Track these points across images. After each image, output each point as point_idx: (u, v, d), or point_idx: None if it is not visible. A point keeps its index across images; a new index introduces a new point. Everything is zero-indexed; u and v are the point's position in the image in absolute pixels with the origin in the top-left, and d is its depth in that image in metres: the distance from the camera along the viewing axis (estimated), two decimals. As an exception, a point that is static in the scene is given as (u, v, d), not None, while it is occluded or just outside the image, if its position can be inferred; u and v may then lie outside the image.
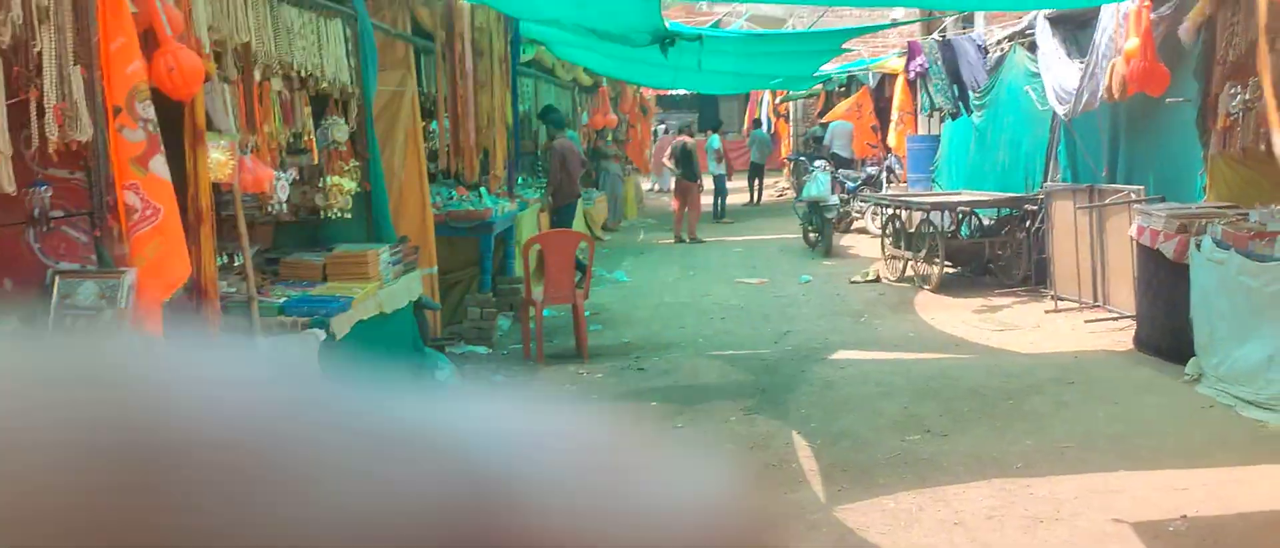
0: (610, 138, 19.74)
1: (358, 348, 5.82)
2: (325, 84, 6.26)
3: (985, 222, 11.54)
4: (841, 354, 8.26)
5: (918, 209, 10.94)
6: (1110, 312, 9.01)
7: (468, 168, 8.52)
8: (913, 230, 11.47)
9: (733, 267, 13.75)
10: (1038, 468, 5.27)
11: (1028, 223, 10.70)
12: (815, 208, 14.48)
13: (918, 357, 8.05)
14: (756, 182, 23.27)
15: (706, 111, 39.23)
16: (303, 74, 5.95)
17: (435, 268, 8.62)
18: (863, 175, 16.67)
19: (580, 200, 15.66)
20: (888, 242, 12.06)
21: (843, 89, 23.24)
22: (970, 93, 10.66)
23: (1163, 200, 8.30)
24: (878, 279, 11.73)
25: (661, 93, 34.83)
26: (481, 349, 8.87)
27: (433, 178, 9.87)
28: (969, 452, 5.59)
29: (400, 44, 8.44)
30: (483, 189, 9.48)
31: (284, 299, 5.63)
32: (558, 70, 14.59)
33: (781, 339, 8.95)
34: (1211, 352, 6.37)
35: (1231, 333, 6.09)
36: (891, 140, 18.15)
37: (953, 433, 5.95)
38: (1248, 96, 6.91)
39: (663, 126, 29.90)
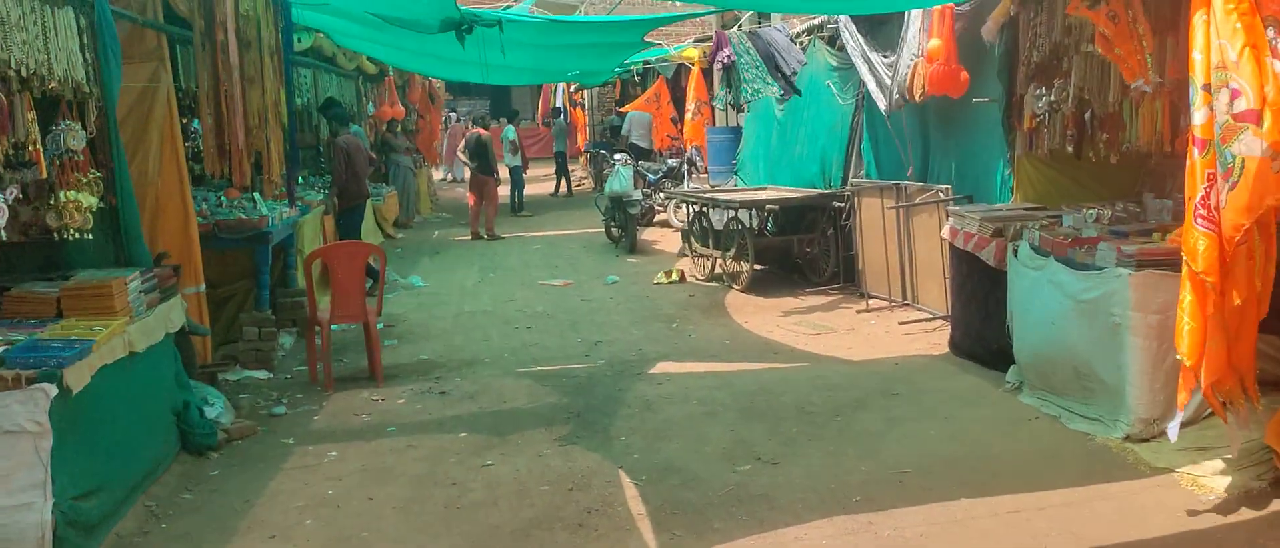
0: (399, 129, 18.73)
1: (101, 400, 4.87)
2: (55, 84, 5.24)
3: (791, 217, 11.38)
4: (659, 367, 7.81)
5: (725, 207, 10.64)
6: (921, 311, 8.97)
7: (236, 172, 7.52)
8: (719, 228, 11.18)
9: (535, 266, 13.14)
10: (878, 499, 4.94)
11: (834, 220, 10.59)
12: (618, 203, 14.04)
13: (737, 368, 7.70)
14: (563, 171, 22.65)
15: (499, 99, 38.38)
16: (24, 73, 4.92)
17: (203, 286, 7.61)
18: (663, 168, 16.38)
19: (370, 200, 14.66)
20: (694, 239, 11.75)
21: (638, 78, 22.97)
22: (789, 76, 10.49)
23: (971, 200, 8.26)
24: (682, 279, 11.38)
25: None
26: (261, 374, 7.92)
27: (198, 182, 8.80)
28: (804, 483, 5.21)
29: (150, 33, 7.38)
30: (257, 194, 8.49)
31: (3, 347, 4.62)
32: (340, 59, 13.51)
33: (593, 351, 8.42)
34: (1031, 360, 6.26)
35: (1051, 341, 5.98)
36: (687, 131, 17.97)
37: (784, 460, 5.56)
38: (1053, 98, 6.86)
39: (454, 115, 28.83)
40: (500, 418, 6.67)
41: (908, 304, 9.27)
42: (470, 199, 16.14)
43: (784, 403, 6.62)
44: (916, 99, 7.74)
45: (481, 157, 15.89)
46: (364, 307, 7.57)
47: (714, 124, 17.64)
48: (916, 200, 8.67)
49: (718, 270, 11.29)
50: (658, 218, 16.11)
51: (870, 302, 9.50)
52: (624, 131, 20.17)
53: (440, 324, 9.67)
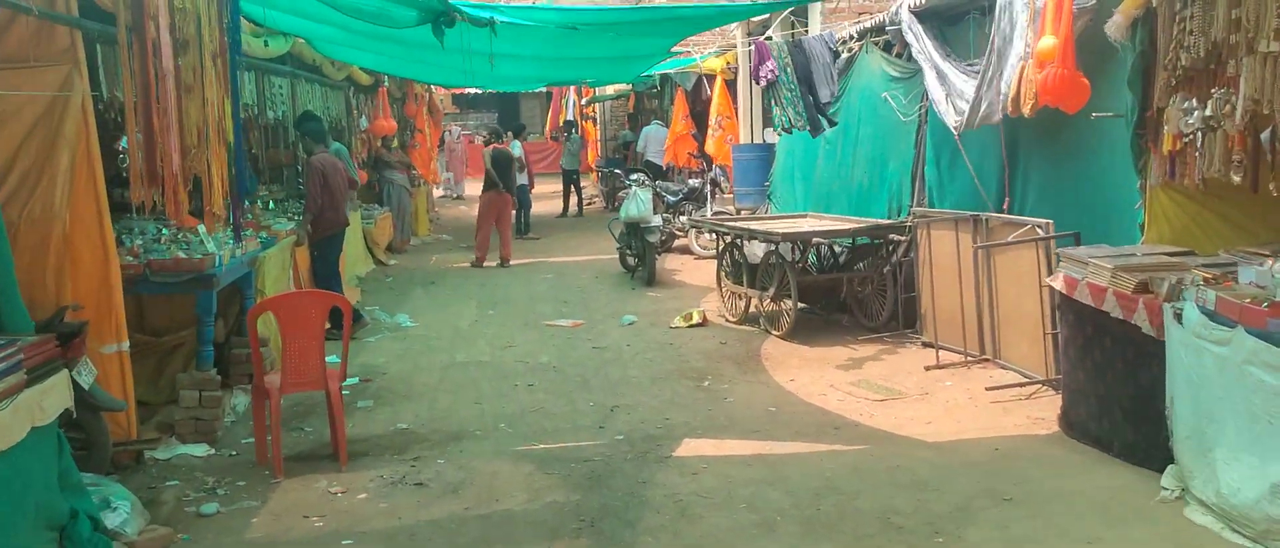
0: (396, 144, 17.24)
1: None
2: None
3: (837, 251, 9.82)
4: (690, 446, 6.25)
5: (764, 241, 9.07)
6: (1008, 371, 7.40)
7: (169, 201, 6.00)
8: (756, 262, 9.61)
9: (541, 300, 11.59)
10: None
11: (892, 255, 9.03)
12: (635, 230, 12.50)
13: (791, 449, 6.13)
14: (571, 190, 21.07)
15: (506, 111, 36.91)
16: None
17: (126, 344, 6.08)
18: (684, 189, 14.83)
19: (360, 223, 13.14)
20: (725, 275, 10.18)
21: (655, 90, 21.47)
22: (824, 105, 8.90)
23: (1077, 239, 6.70)
24: (705, 321, 9.81)
25: (457, 91, 32.35)
26: (200, 450, 6.39)
27: (129, 212, 7.29)
28: (919, 661, 3.64)
29: (61, 31, 5.92)
30: (201, 227, 6.97)
31: None
32: (327, 68, 12.01)
33: (609, 420, 6.86)
34: (1201, 462, 4.68)
35: (1237, 442, 4.40)
36: (710, 148, 16.50)
37: (881, 614, 4.00)
38: (1209, 113, 5.30)
39: (455, 129, 27.26)
40: (490, 526, 5.11)
41: (987, 360, 7.71)
42: (481, 224, 14.36)
43: (861, 510, 5.05)
44: (1026, 111, 6.17)
45: (505, 172, 14.26)
46: (323, 371, 6.02)
47: (737, 140, 16.12)
48: (1009, 239, 7.09)
49: (752, 310, 9.73)
50: (677, 243, 14.55)
51: (940, 355, 7.92)
52: (639, 148, 18.65)
53: (426, 379, 8.11)
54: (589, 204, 23.17)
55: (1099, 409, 5.63)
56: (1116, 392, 5.46)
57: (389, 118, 14.53)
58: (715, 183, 14.28)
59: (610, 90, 24.41)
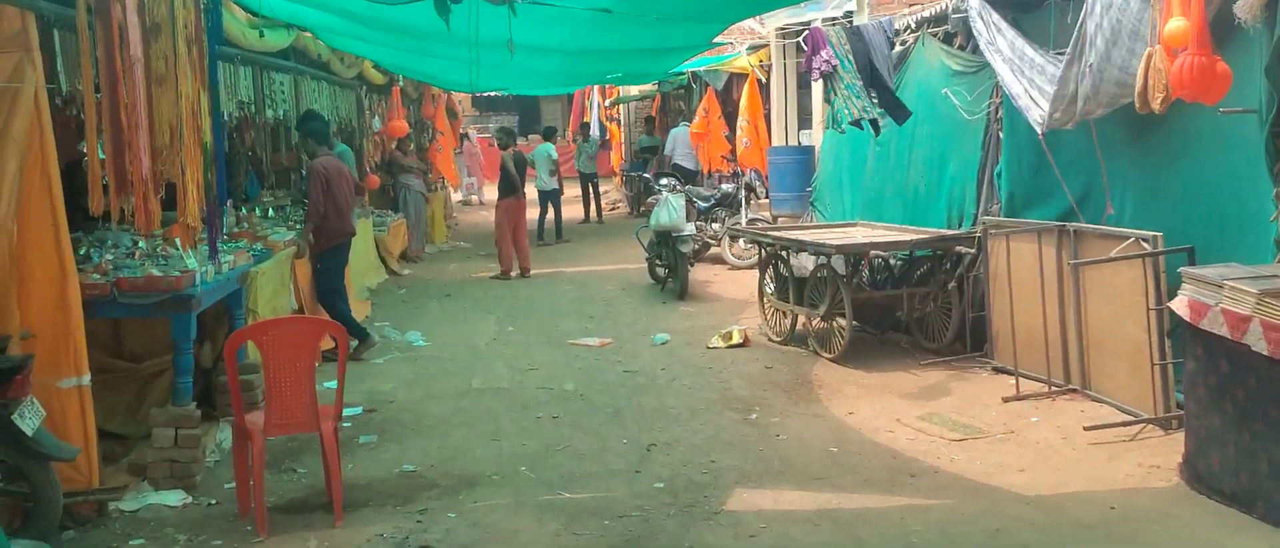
0: (412, 147, 16.43)
1: None
2: None
3: (893, 264, 8.89)
4: (743, 497, 5.34)
5: (815, 252, 8.14)
6: (1099, 402, 6.46)
7: (139, 211, 5.16)
8: (803, 275, 8.70)
9: (565, 315, 10.71)
10: None
11: (957, 269, 8.10)
12: (666, 239, 11.60)
13: (861, 503, 5.22)
14: (590, 192, 20.19)
15: (527, 114, 36.12)
16: None
17: (86, 377, 5.23)
18: (716, 194, 13.91)
19: (371, 231, 12.28)
20: (768, 290, 9.26)
21: (682, 90, 20.58)
22: (892, 91, 7.94)
23: (1192, 256, 5.75)
24: (746, 341, 8.89)
25: (477, 93, 31.55)
26: (173, 498, 5.54)
27: (96, 224, 6.48)
28: None
29: (11, 13, 5.11)
30: (178, 241, 6.12)
31: None
32: (336, 65, 11.18)
33: (645, 461, 5.97)
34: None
35: None
36: (744, 154, 15.57)
37: None
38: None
39: (473, 133, 26.37)
40: (509, 606, 4.23)
41: (1074, 390, 6.78)
42: (500, 232, 13.43)
43: (962, 590, 4.14)
44: (1155, 107, 5.22)
45: (521, 174, 13.37)
46: (315, 409, 5.15)
47: (769, 141, 15.22)
48: (1111, 255, 6.15)
49: (799, 329, 8.82)
50: (709, 251, 13.63)
51: (1019, 384, 6.99)
52: (667, 151, 17.75)
53: (438, 409, 7.24)
54: (613, 209, 22.32)
55: (1237, 460, 4.69)
56: (1264, 442, 4.52)
57: (402, 119, 13.66)
58: (750, 188, 13.36)
59: (635, 91, 23.51)
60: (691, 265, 11.55)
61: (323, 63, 10.85)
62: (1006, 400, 6.84)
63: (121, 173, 5.20)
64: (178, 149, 5.32)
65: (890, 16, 8.37)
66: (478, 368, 8.43)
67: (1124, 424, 6.01)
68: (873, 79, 7.89)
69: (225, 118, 7.69)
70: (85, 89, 5.20)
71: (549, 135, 18.82)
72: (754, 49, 16.25)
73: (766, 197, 13.89)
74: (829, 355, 8.16)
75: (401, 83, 14.55)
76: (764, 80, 15.88)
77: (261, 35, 7.66)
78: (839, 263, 8.05)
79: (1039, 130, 6.83)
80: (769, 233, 9.03)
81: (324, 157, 8.43)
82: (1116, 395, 6.38)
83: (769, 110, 15.79)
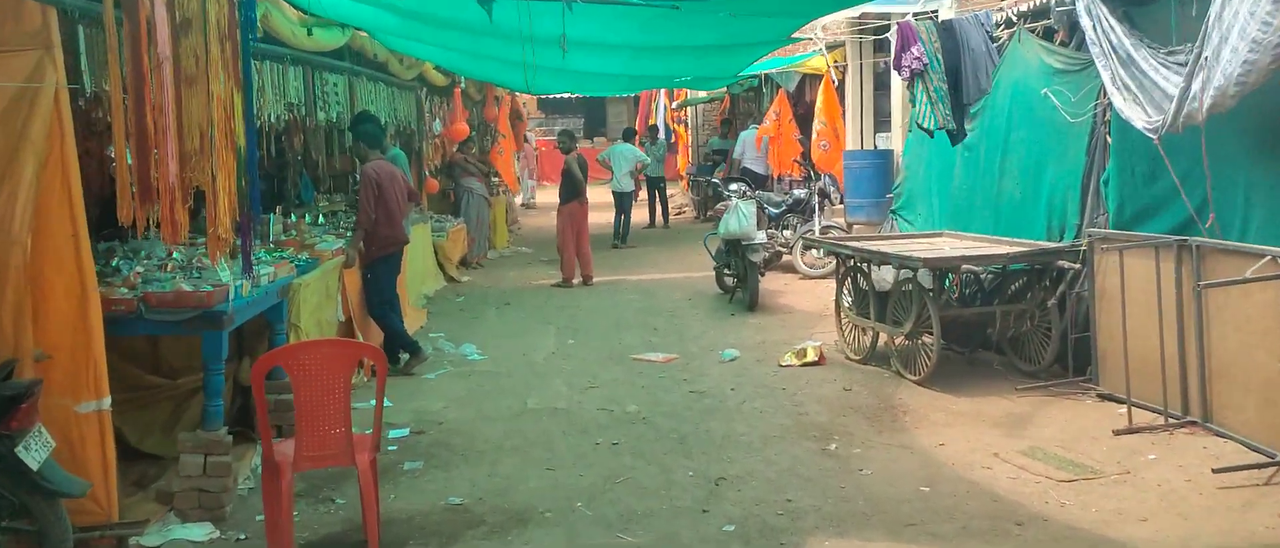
0: (475, 150, 16.06)
1: None
2: None
3: (984, 279, 8.19)
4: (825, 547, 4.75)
5: (900, 265, 7.49)
6: (1224, 437, 5.74)
7: (165, 222, 4.73)
8: (883, 289, 8.06)
9: (628, 327, 10.17)
10: None
11: (1058, 285, 7.40)
12: (735, 248, 11.01)
13: (963, 558, 4.59)
14: (657, 197, 19.71)
15: (594, 116, 35.75)
16: None
17: (106, 400, 4.82)
18: (788, 200, 13.27)
19: (429, 237, 11.87)
20: (846, 304, 8.62)
21: (752, 92, 19.96)
22: (965, 105, 7.22)
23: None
24: (821, 359, 8.26)
25: (544, 95, 31.19)
26: (199, 533, 5.11)
27: (118, 237, 6.10)
28: None
29: (32, 6, 4.74)
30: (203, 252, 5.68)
31: None
32: (394, 66, 10.79)
33: (714, 499, 5.40)
34: None
35: None
36: (818, 158, 14.90)
37: None
38: None
39: (531, 135, 25.94)
40: None
41: (1194, 423, 6.05)
42: (562, 238, 12.99)
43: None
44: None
45: (581, 176, 12.87)
46: (349, 440, 4.67)
47: (843, 145, 14.52)
48: (1247, 275, 5.43)
49: (880, 347, 8.18)
50: (781, 259, 13.00)
51: (1132, 415, 6.28)
52: (736, 154, 17.14)
53: (490, 431, 6.74)
54: (678, 214, 21.79)
55: None
56: None
57: (464, 121, 13.25)
58: (824, 194, 12.70)
59: (703, 93, 22.93)
60: (762, 275, 10.94)
61: (380, 63, 10.47)
62: (1118, 434, 6.14)
63: (146, 179, 4.78)
64: (208, 154, 4.87)
65: (988, 10, 7.66)
66: (534, 385, 7.93)
67: (1258, 466, 5.29)
68: (955, 82, 7.20)
69: (273, 120, 7.31)
70: (112, 89, 4.78)
71: (628, 137, 18.43)
72: (831, 48, 15.59)
73: (841, 203, 13.22)
74: (914, 377, 7.50)
75: (463, 84, 14.15)
76: (838, 81, 15.22)
77: (310, 33, 7.25)
78: (926, 277, 7.38)
79: (1153, 135, 6.11)
80: (848, 243, 8.39)
81: (376, 161, 7.99)
82: (1245, 431, 5.66)
83: (844, 112, 15.11)
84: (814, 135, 14.75)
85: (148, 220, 4.80)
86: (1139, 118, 6.19)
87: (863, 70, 15.00)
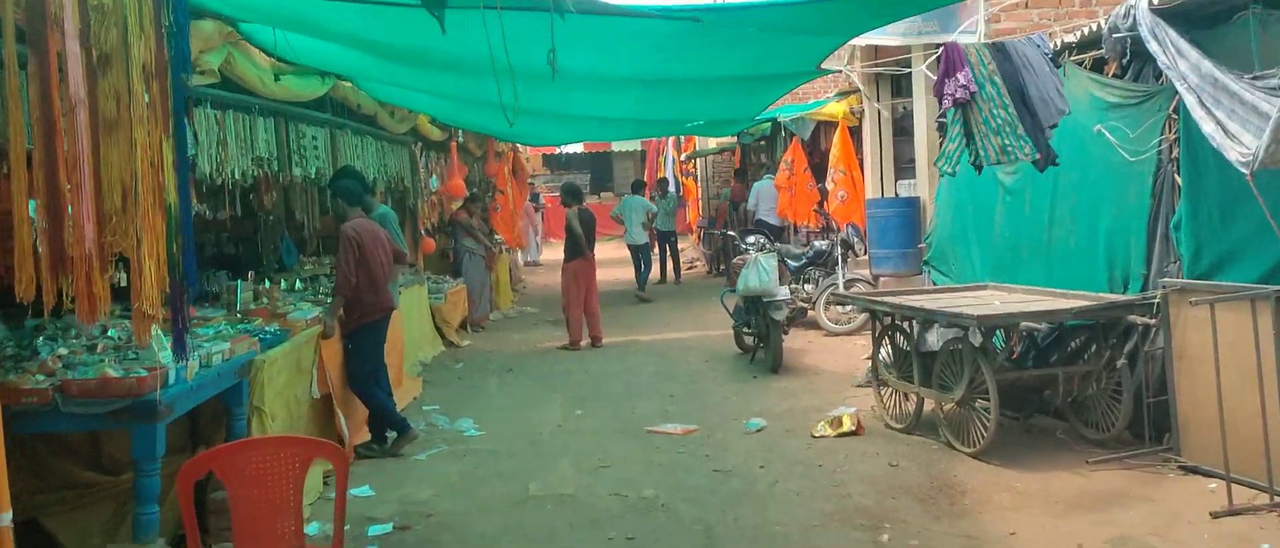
0: (480, 208, 15.30)
1: None
2: None
3: (1036, 335, 7.31)
4: None
5: (950, 324, 6.61)
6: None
7: (80, 297, 3.91)
8: (928, 350, 7.19)
9: (642, 394, 9.29)
10: None
11: (1127, 342, 6.52)
12: (755, 305, 10.17)
13: None
14: (667, 252, 18.96)
15: (600, 172, 35.09)
16: None
17: (7, 515, 3.94)
18: (809, 252, 12.44)
19: (426, 300, 11.03)
20: (884, 366, 7.73)
21: (763, 142, 19.22)
22: (1047, 123, 6.33)
23: None
24: (858, 430, 7.37)
25: (549, 150, 30.58)
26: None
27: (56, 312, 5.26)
28: None
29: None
30: (156, 329, 4.85)
31: None
32: (383, 118, 10.05)
33: (750, 612, 4.49)
34: None
35: None
36: (836, 208, 14.10)
37: None
38: None
39: (539, 194, 25.21)
40: None
41: (1310, 504, 5.14)
42: (568, 298, 12.23)
43: None
44: None
45: (586, 231, 12.09)
46: (301, 557, 3.80)
47: (861, 193, 13.70)
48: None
49: (925, 413, 7.28)
50: (804, 315, 12.13)
51: (1232, 493, 5.37)
52: (749, 206, 16.34)
53: (485, 525, 5.85)
54: (689, 268, 21.00)
55: None
56: None
57: (460, 177, 12.48)
58: (847, 245, 11.85)
59: (712, 143, 22.23)
60: (785, 334, 10.07)
61: (367, 116, 9.73)
62: (1217, 516, 5.23)
63: (58, 246, 3.97)
64: (132, 214, 4.07)
65: (1042, 34, 6.83)
66: (538, 466, 7.04)
67: None
68: (1023, 108, 6.35)
69: (237, 176, 6.52)
70: (13, 138, 3.99)
71: (637, 189, 18.14)
72: (843, 95, 14.87)
73: (864, 254, 12.39)
74: (967, 449, 6.60)
75: (461, 138, 13.42)
76: (855, 128, 14.48)
77: (277, 79, 6.48)
78: (977, 335, 6.50)
79: (1246, 170, 5.27)
80: (885, 299, 7.51)
81: (356, 219, 7.19)
82: (1383, 516, 4.75)
83: (861, 159, 14.34)
84: (830, 185, 13.98)
85: (60, 294, 4.00)
86: (1233, 149, 5.34)
87: (880, 116, 14.25)
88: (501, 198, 14.89)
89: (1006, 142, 6.32)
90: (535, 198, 23.54)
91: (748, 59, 6.35)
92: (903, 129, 14.41)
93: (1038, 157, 6.36)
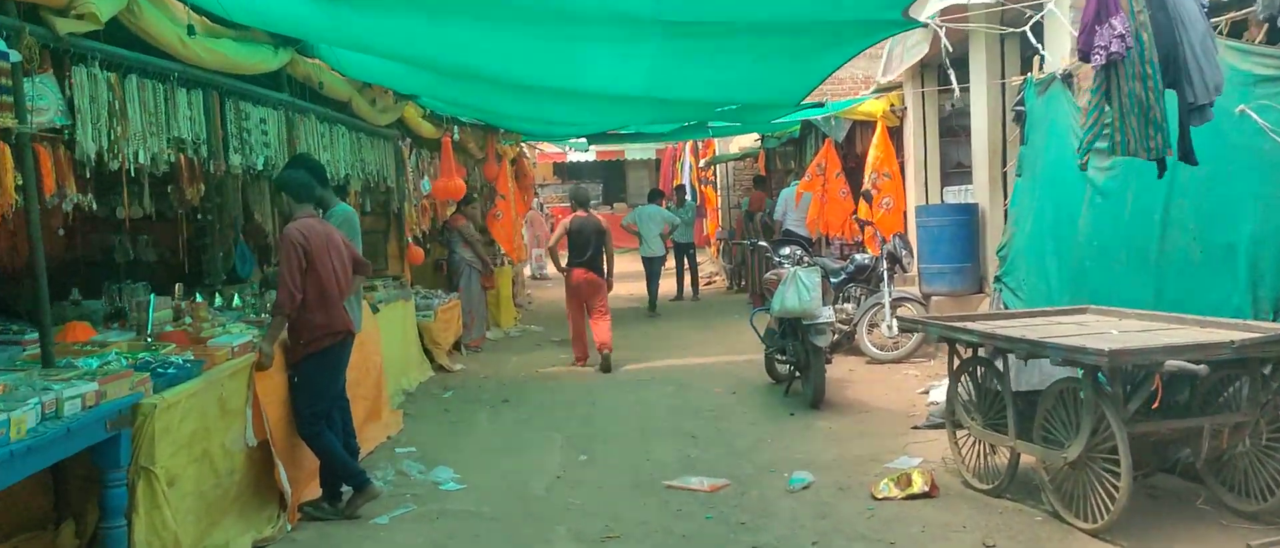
0: (479, 212, 13.88)
1: None
2: None
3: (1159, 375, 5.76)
4: None
5: (1067, 360, 5.05)
6: None
7: None
8: (1030, 390, 5.67)
9: (659, 434, 7.80)
10: None
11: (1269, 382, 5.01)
12: (792, 327, 8.68)
13: None
14: (686, 265, 17.48)
15: (612, 180, 33.60)
16: None
17: None
18: (849, 266, 10.93)
19: (413, 317, 9.53)
20: (966, 408, 6.19)
21: (792, 145, 17.72)
22: (1193, 103, 4.78)
23: None
24: (932, 489, 5.85)
25: (559, 158, 29.15)
26: None
27: None
28: None
29: None
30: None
31: None
32: (360, 105, 8.61)
33: None
34: None
35: None
36: (864, 213, 12.66)
37: None
38: None
39: (538, 201, 23.64)
40: None
41: None
42: (571, 316, 11.11)
43: None
44: None
45: (596, 248, 10.82)
46: None
47: (903, 199, 12.24)
48: None
49: (1020, 469, 5.75)
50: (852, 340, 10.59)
51: None
52: (777, 215, 14.80)
53: (454, 629, 4.36)
54: (708, 284, 19.51)
55: None
56: None
57: (453, 177, 11.01)
58: (893, 258, 10.34)
59: (734, 147, 20.74)
60: (829, 362, 8.56)
61: (339, 101, 8.29)
62: None
63: None
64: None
65: None
66: (528, 536, 5.54)
67: None
68: (1175, 76, 4.79)
69: (144, 162, 5.06)
70: None
71: (654, 197, 16.69)
72: (882, 92, 13.40)
73: (915, 269, 10.89)
74: (1085, 524, 5.07)
75: (457, 135, 11.97)
76: (895, 128, 13.02)
77: (191, 34, 5.03)
78: (1105, 377, 4.97)
79: None
80: (969, 327, 5.95)
81: (304, 219, 5.71)
82: None
83: (903, 162, 12.89)
84: (873, 190, 12.50)
85: None
86: None
87: (925, 115, 12.77)
88: (503, 204, 13.41)
89: (1140, 125, 4.73)
90: (540, 206, 22.07)
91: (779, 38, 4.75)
92: (949, 129, 12.94)
93: (1166, 154, 4.79)
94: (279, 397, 5.70)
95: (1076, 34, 4.84)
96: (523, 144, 16.81)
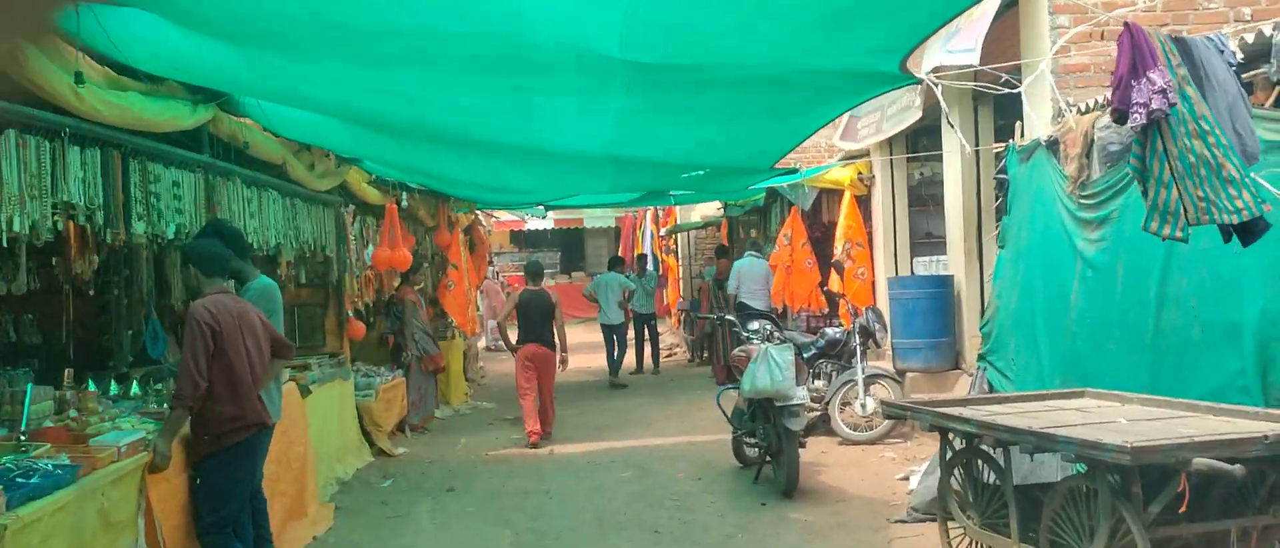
0: (428, 284, 13.23)
1: None
2: None
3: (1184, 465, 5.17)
4: None
5: (1081, 456, 4.45)
6: None
7: None
8: (1033, 486, 5.06)
9: (619, 527, 7.11)
10: None
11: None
12: (762, 408, 8.05)
13: None
14: (646, 336, 16.81)
15: (570, 249, 32.98)
16: None
17: None
18: (820, 341, 10.34)
19: (352, 397, 8.73)
20: (959, 504, 5.56)
21: (755, 214, 17.25)
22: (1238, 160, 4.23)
23: None
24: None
25: (516, 226, 28.51)
26: None
27: None
28: None
29: None
30: None
31: None
32: (295, 169, 7.94)
33: None
34: None
35: None
36: (837, 285, 12.19)
37: None
38: None
39: (493, 270, 22.97)
40: None
41: None
42: (522, 392, 10.53)
43: None
44: None
45: (539, 321, 10.43)
46: None
47: (871, 269, 11.76)
48: None
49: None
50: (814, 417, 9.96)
51: None
52: (731, 288, 14.17)
53: None
54: (669, 356, 18.83)
55: None
56: None
57: (398, 246, 10.32)
58: (867, 332, 9.76)
59: (696, 216, 20.24)
60: (802, 446, 7.92)
61: (270, 163, 7.62)
62: None
63: None
64: None
65: (1221, 34, 4.66)
66: (467, 660, 4.80)
67: None
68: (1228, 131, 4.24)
69: (22, 230, 4.36)
70: None
71: (614, 265, 16.38)
72: (850, 160, 12.99)
73: (887, 344, 10.33)
74: (1103, 646, 4.43)
75: (405, 202, 11.31)
76: (863, 197, 12.61)
77: (79, 82, 4.37)
78: (1120, 472, 4.37)
79: None
80: (964, 415, 5.34)
81: (214, 295, 5.02)
82: None
83: (871, 232, 12.44)
84: (846, 261, 12.00)
85: None
86: None
87: (894, 184, 12.35)
88: (455, 274, 12.72)
89: (1205, 190, 4.13)
90: (496, 275, 21.37)
91: (800, 42, 4.17)
92: (918, 198, 12.53)
93: (1262, 210, 4.22)
94: (178, 503, 4.94)
95: (1109, 94, 4.22)
96: (478, 211, 16.22)
